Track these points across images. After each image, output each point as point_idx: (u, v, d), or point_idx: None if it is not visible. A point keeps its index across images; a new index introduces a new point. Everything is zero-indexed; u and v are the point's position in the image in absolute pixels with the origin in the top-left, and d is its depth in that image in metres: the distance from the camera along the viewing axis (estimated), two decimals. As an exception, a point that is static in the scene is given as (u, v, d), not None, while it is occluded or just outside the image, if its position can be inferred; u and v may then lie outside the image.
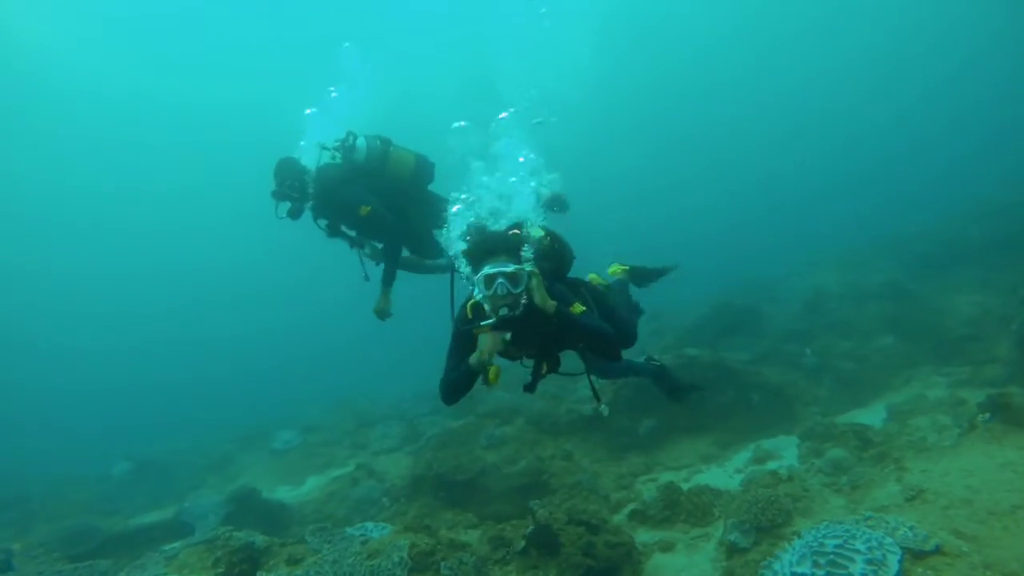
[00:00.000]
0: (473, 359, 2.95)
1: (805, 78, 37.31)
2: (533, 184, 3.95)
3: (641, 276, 4.80)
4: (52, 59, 28.70)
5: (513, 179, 3.91)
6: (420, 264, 5.59)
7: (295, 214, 5.12)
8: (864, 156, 34.26)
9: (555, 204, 4.48)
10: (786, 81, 37.69)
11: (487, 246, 3.01)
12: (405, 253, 5.52)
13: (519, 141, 4.14)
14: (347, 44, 6.01)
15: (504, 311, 2.86)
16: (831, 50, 35.83)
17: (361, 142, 5.14)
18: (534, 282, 2.91)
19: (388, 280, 5.19)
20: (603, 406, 3.59)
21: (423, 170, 5.38)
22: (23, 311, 36.49)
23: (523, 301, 2.90)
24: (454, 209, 3.60)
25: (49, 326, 35.57)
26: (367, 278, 5.39)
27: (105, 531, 7.97)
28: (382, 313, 5.25)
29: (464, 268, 3.14)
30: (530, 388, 3.39)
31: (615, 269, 4.72)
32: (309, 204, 5.11)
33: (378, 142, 5.21)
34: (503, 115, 4.30)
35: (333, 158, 5.16)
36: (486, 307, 2.94)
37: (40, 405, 25.52)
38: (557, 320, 2.97)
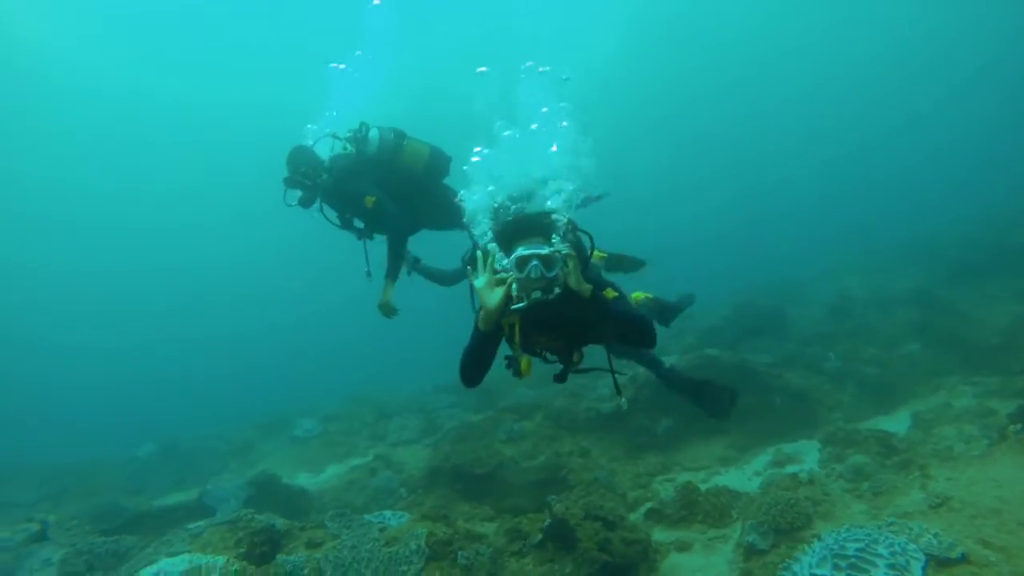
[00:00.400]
0: (480, 319, 2.82)
1: (830, 78, 36.84)
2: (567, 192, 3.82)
3: (662, 309, 4.64)
4: (53, 57, 28.86)
5: (535, 126, 3.75)
6: (444, 275, 5.44)
7: (306, 203, 5.04)
8: (891, 159, 33.80)
9: (588, 200, 4.42)
10: (812, 81, 37.27)
11: (519, 227, 2.89)
12: (426, 263, 5.45)
13: (546, 95, 3.98)
14: (377, 2, 5.88)
15: (537, 294, 2.74)
16: (855, 52, 35.26)
17: (374, 133, 5.06)
18: (570, 264, 2.77)
19: (392, 274, 5.04)
20: (623, 400, 3.52)
21: (438, 163, 5.25)
22: (56, 309, 37.51)
23: (556, 286, 2.77)
24: (473, 159, 3.49)
25: (80, 323, 36.48)
26: (370, 274, 5.25)
27: (131, 510, 8.20)
28: (386, 308, 5.07)
29: (483, 238, 3.02)
30: (561, 378, 3.26)
31: (638, 296, 4.59)
32: (320, 194, 5.04)
33: (391, 134, 5.11)
34: (529, 64, 4.14)
35: (345, 148, 5.10)
36: (517, 290, 2.79)
37: (75, 394, 26.38)
38: (592, 305, 2.84)
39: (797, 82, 37.32)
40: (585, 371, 3.32)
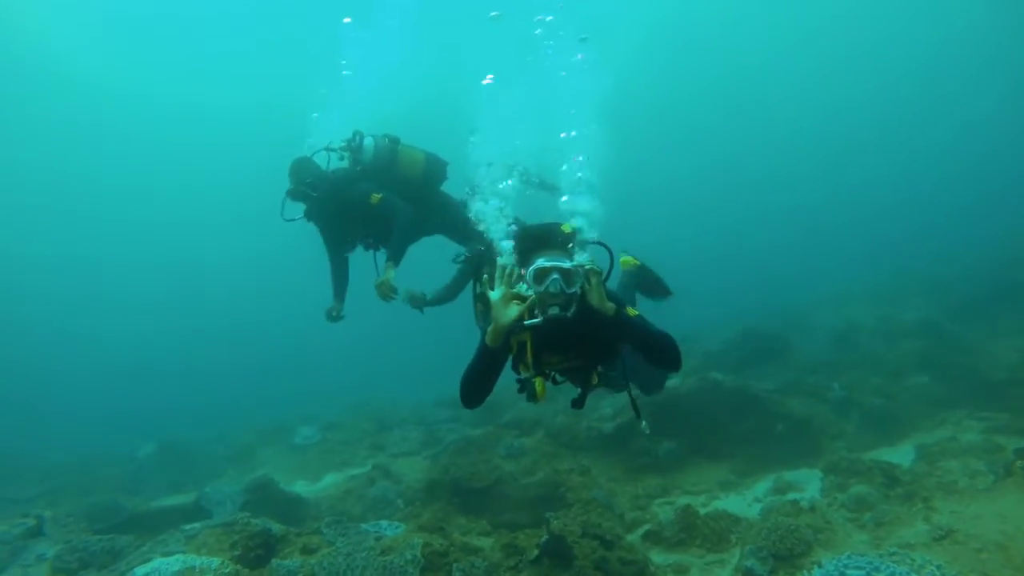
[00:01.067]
0: (488, 334, 2.60)
1: (843, 105, 37.04)
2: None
3: (646, 281, 4.50)
4: (58, 54, 28.72)
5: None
6: (447, 290, 5.33)
7: (311, 215, 5.00)
8: (901, 184, 33.80)
9: (542, 186, 4.39)
10: (826, 106, 37.41)
11: (540, 237, 2.71)
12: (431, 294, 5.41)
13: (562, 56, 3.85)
14: None
15: (555, 310, 2.57)
16: (869, 79, 35.45)
17: (368, 142, 5.02)
18: (593, 281, 2.60)
19: (395, 256, 4.88)
20: (644, 423, 3.38)
21: (434, 169, 5.23)
22: (69, 302, 37.69)
23: (574, 304, 2.60)
24: (485, 80, 3.41)
25: (85, 318, 36.62)
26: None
27: (128, 509, 8.17)
28: (385, 288, 4.83)
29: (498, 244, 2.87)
30: (579, 404, 3.08)
31: (627, 260, 4.46)
32: (323, 206, 4.97)
33: (386, 141, 5.08)
34: (549, 18, 3.99)
35: (341, 159, 5.07)
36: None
37: (76, 389, 26.46)
38: (615, 324, 2.66)
39: (806, 107, 37.58)
40: (595, 388, 3.14)
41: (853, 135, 37.80)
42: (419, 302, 5.29)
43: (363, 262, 5.30)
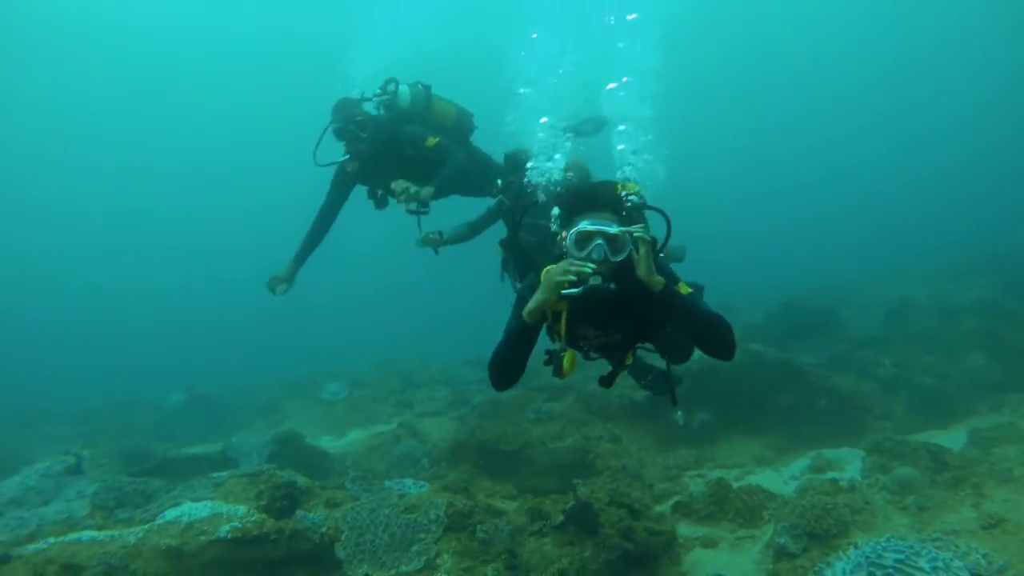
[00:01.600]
0: (530, 307, 2.36)
1: (892, 75, 34.95)
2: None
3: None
4: None
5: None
6: (466, 228, 5.11)
7: (358, 155, 4.80)
8: (950, 159, 32.05)
9: (590, 124, 4.13)
10: (873, 77, 35.45)
11: (587, 196, 2.45)
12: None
13: None
14: None
15: (596, 280, 2.29)
16: (904, 51, 33.30)
17: (404, 89, 4.92)
18: (642, 251, 2.30)
19: (439, 188, 4.73)
20: (680, 414, 3.18)
21: (464, 121, 5.20)
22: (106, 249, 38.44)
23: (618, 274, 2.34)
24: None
25: (123, 269, 37.28)
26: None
27: (159, 455, 8.39)
28: (408, 193, 4.64)
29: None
30: (607, 383, 2.84)
31: None
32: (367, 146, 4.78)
33: (420, 87, 4.99)
34: None
35: (377, 108, 4.94)
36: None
37: (112, 336, 27.35)
38: (663, 300, 2.37)
39: (852, 77, 35.70)
40: (627, 368, 2.93)
41: (906, 105, 35.82)
42: (433, 242, 5.07)
43: (367, 232, 5.11)
